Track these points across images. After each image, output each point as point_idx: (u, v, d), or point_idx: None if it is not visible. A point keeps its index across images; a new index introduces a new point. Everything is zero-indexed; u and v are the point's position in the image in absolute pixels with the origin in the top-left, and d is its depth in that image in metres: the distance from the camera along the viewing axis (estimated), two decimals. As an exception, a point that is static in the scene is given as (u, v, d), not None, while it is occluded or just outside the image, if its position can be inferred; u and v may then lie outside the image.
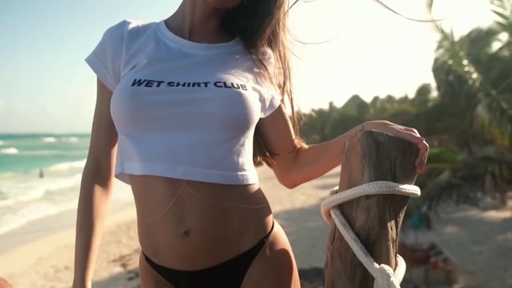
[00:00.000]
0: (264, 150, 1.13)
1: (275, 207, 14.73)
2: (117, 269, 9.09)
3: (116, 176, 1.05)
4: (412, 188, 0.85)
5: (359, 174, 0.85)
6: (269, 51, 1.09)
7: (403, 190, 0.83)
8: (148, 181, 0.95)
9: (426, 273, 7.51)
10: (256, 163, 1.13)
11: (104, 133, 1.08)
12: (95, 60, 1.07)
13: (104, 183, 1.08)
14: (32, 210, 16.55)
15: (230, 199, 0.96)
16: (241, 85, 0.99)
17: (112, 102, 0.99)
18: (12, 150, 68.63)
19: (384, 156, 0.84)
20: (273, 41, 1.08)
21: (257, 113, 1.01)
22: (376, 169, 0.83)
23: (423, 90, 25.07)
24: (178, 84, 0.96)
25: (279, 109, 1.12)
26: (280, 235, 1.05)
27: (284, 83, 1.11)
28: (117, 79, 1.04)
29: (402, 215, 0.87)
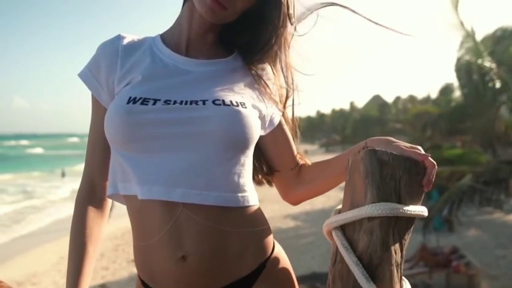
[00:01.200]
0: (264, 168, 1.11)
1: (294, 208, 14.68)
2: (137, 269, 9.17)
3: (109, 197, 1.01)
4: (418, 209, 0.82)
5: (362, 195, 0.81)
6: (267, 66, 1.06)
7: (408, 212, 0.79)
8: (144, 203, 0.92)
9: (447, 277, 7.39)
10: (257, 182, 1.11)
11: (99, 151, 1.04)
12: (88, 75, 1.03)
13: (99, 204, 1.04)
14: (58, 209, 16.89)
15: (229, 222, 0.93)
16: (240, 102, 0.96)
17: (106, 120, 0.96)
18: (38, 150, 70.22)
19: (388, 176, 0.81)
20: (275, 56, 1.05)
21: (257, 132, 0.97)
22: (380, 189, 0.80)
23: (446, 90, 24.69)
24: (175, 102, 0.93)
25: (279, 126, 1.08)
26: (281, 257, 1.02)
27: (287, 97, 1.08)
28: (112, 95, 1.01)
29: (408, 236, 0.84)
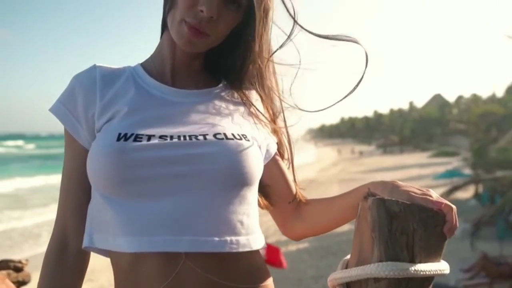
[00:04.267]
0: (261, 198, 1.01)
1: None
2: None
3: (85, 248, 0.87)
4: (435, 268, 0.71)
5: (369, 249, 0.72)
6: (255, 90, 0.98)
7: (421, 273, 0.69)
8: (137, 256, 0.80)
9: (511, 290, 6.96)
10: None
11: (74, 196, 0.91)
12: (63, 111, 0.91)
13: (73, 260, 0.90)
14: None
15: (233, 275, 0.83)
16: (242, 135, 0.88)
17: (91, 160, 0.84)
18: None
19: (399, 230, 0.71)
20: (259, 78, 0.96)
21: (261, 165, 0.90)
22: (388, 246, 0.70)
23: (513, 89, 23.34)
24: (172, 138, 0.84)
25: (274, 157, 1.00)
26: None
27: (275, 118, 0.99)
28: (91, 131, 0.89)
29: None
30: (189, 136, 0.85)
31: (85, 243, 0.86)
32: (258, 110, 0.96)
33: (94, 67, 0.94)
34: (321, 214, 0.99)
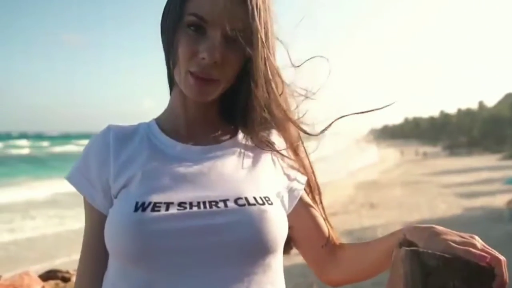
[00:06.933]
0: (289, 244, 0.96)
1: (413, 215, 13.93)
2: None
3: None
4: None
5: None
6: (272, 130, 0.93)
7: None
8: None
9: None
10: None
11: (92, 265, 0.88)
12: (78, 178, 0.89)
13: None
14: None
15: None
16: (264, 197, 0.82)
17: (109, 231, 0.81)
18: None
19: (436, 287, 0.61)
20: (269, 118, 0.90)
21: (286, 228, 0.84)
22: None
23: None
24: (191, 206, 0.79)
25: (301, 199, 0.94)
26: None
27: (297, 154, 0.94)
28: (107, 196, 0.86)
29: None
30: (209, 202, 0.80)
31: None
32: (277, 155, 0.92)
33: (108, 129, 0.92)
34: (356, 260, 0.92)
